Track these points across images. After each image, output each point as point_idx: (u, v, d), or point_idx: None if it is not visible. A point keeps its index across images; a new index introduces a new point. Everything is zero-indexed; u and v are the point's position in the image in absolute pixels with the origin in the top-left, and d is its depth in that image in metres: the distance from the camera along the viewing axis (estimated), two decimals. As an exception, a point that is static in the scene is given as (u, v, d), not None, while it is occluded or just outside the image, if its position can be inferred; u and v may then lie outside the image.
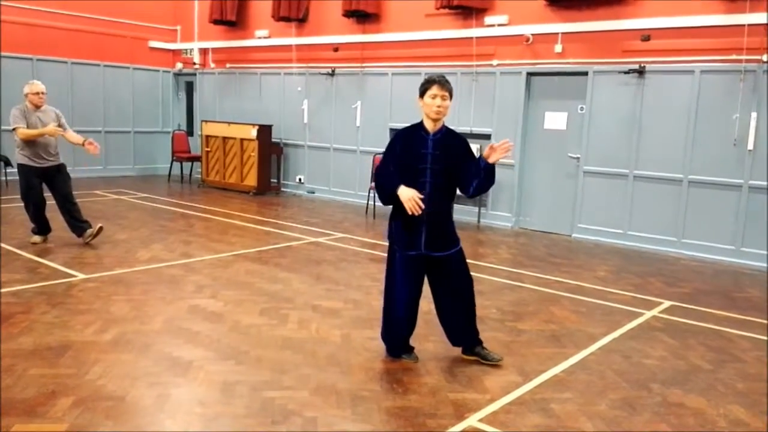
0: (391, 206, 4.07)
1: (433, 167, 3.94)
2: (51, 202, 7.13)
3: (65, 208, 7.03)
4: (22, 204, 7.06)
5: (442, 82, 3.89)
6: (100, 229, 7.13)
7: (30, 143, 6.72)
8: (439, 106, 3.89)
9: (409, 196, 3.82)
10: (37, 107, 6.79)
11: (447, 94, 3.89)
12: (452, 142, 4.01)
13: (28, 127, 6.67)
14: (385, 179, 4.00)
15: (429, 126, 3.99)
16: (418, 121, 4.08)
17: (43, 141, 6.75)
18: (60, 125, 6.88)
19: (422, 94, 3.94)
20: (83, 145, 6.85)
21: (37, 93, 6.77)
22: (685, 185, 7.93)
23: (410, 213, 3.83)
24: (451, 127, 4.12)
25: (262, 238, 8.09)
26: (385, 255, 4.23)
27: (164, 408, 3.43)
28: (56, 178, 6.97)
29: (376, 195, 4.16)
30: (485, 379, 3.98)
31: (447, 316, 4.26)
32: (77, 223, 7.06)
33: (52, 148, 6.87)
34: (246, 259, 6.85)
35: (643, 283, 6.56)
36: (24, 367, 3.83)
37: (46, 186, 6.99)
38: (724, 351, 4.67)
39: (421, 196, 3.84)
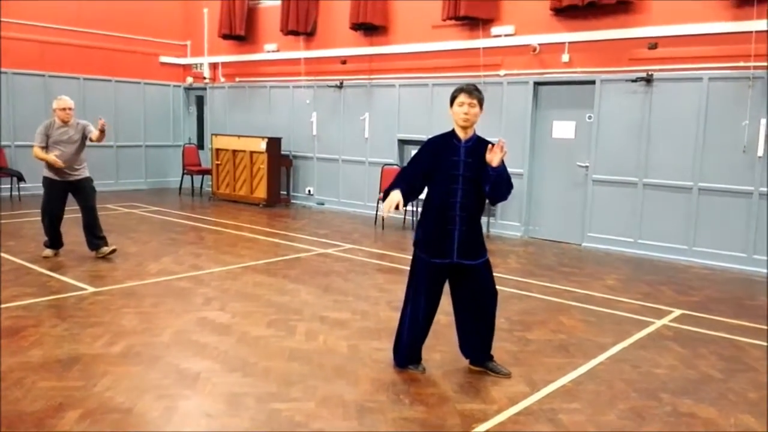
0: (420, 215, 4.11)
1: (465, 174, 3.98)
2: (67, 216, 7.23)
3: (86, 222, 7.12)
4: (40, 216, 7.15)
5: (469, 90, 3.96)
6: (113, 250, 7.20)
7: None
8: (466, 113, 3.94)
9: (391, 198, 3.87)
10: (65, 122, 6.89)
11: (475, 101, 3.95)
12: (483, 150, 4.01)
13: (49, 142, 6.80)
14: (398, 177, 4.08)
15: (460, 134, 4.04)
16: (435, 130, 4.14)
17: (64, 156, 6.81)
18: (85, 134, 6.97)
19: (452, 102, 4.01)
20: (103, 132, 6.90)
21: (64, 109, 6.87)
22: (695, 193, 7.88)
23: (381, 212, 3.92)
24: None
25: (271, 249, 8.12)
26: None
27: (171, 420, 3.44)
28: (79, 191, 7.07)
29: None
30: (493, 390, 3.96)
31: (465, 329, 4.23)
32: (94, 239, 7.14)
33: (75, 163, 6.96)
34: (255, 271, 6.87)
35: (654, 291, 6.51)
36: (33, 380, 3.86)
37: (73, 198, 7.07)
38: (736, 360, 4.62)
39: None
